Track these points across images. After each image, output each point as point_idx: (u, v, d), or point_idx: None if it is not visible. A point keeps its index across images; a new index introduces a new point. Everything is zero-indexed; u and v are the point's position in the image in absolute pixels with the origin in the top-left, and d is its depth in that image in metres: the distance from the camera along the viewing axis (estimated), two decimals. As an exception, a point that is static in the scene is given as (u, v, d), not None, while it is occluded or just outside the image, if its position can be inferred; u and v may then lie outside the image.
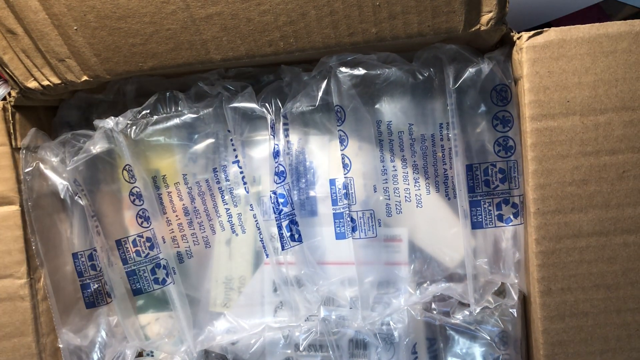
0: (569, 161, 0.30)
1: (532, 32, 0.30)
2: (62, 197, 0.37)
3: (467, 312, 0.35)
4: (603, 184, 0.30)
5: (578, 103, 0.30)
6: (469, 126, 0.34)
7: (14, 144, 0.36)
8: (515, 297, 0.35)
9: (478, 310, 0.35)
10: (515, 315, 0.35)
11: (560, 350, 0.32)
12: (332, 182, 0.36)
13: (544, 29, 0.30)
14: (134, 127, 0.36)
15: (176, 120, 0.37)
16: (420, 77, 0.34)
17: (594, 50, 0.29)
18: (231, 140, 0.37)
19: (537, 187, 0.31)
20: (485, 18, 0.30)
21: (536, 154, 0.30)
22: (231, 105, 0.36)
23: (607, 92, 0.30)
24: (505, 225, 0.35)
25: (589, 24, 0.29)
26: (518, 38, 0.30)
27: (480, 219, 0.35)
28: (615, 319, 0.31)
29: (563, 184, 0.31)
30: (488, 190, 0.35)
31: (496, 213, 0.35)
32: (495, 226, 0.35)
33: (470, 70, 0.33)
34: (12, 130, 0.35)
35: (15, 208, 0.35)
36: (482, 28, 0.30)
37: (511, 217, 0.34)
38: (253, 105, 0.36)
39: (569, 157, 0.30)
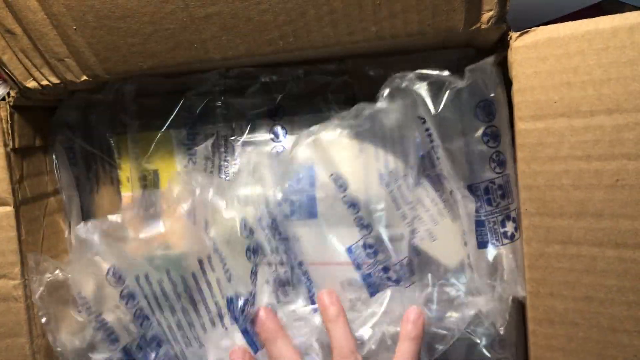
0: (558, 164, 0.29)
1: (519, 32, 0.29)
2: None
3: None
4: (595, 192, 0.28)
5: (566, 104, 0.28)
6: (461, 147, 0.33)
7: (10, 144, 0.35)
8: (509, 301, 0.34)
9: (472, 312, 0.34)
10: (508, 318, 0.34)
11: (550, 355, 0.31)
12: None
13: (532, 29, 0.29)
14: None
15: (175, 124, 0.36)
16: (392, 115, 0.32)
17: (583, 48, 0.27)
18: (225, 142, 0.37)
19: (524, 187, 0.30)
20: (485, 16, 0.30)
21: (524, 154, 0.30)
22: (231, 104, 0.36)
23: (598, 92, 0.27)
24: (510, 241, 0.33)
25: (579, 20, 0.27)
26: (510, 38, 0.30)
27: (487, 239, 0.34)
28: (610, 338, 0.29)
29: (551, 187, 0.29)
30: (492, 209, 0.33)
31: (502, 231, 0.34)
32: (502, 244, 0.34)
33: (449, 92, 0.31)
34: (9, 131, 0.35)
35: (9, 209, 0.35)
36: (483, 27, 0.30)
37: (513, 231, 0.33)
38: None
39: (558, 160, 0.29)
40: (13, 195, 0.35)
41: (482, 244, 0.34)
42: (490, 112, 0.32)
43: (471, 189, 0.34)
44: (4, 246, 0.35)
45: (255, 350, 0.34)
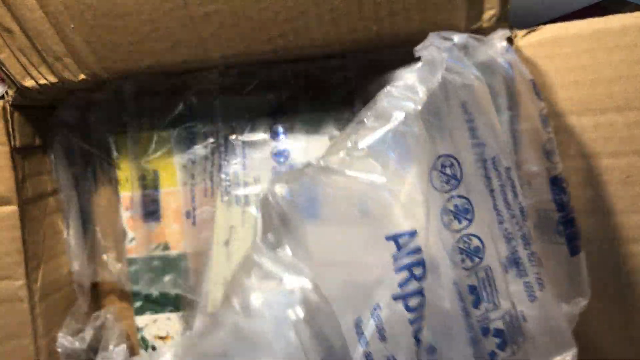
0: (566, 163, 0.29)
1: (525, 31, 0.29)
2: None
3: None
4: (605, 189, 0.28)
5: (575, 102, 0.28)
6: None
7: (12, 143, 0.35)
8: None
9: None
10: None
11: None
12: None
13: (538, 27, 0.29)
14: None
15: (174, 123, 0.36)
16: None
17: (593, 47, 0.28)
18: (225, 141, 0.37)
19: None
20: (487, 15, 0.30)
21: None
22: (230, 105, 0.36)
23: (609, 90, 0.28)
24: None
25: (588, 19, 0.28)
26: (514, 37, 0.30)
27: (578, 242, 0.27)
28: (622, 333, 0.29)
29: None
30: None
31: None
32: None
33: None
34: (10, 130, 0.35)
35: (14, 208, 0.35)
36: (484, 25, 0.30)
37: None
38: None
39: (566, 159, 0.29)
40: (18, 195, 0.35)
41: (574, 250, 0.27)
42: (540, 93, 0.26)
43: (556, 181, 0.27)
44: (9, 246, 0.35)
45: None
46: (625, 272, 0.29)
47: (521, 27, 0.30)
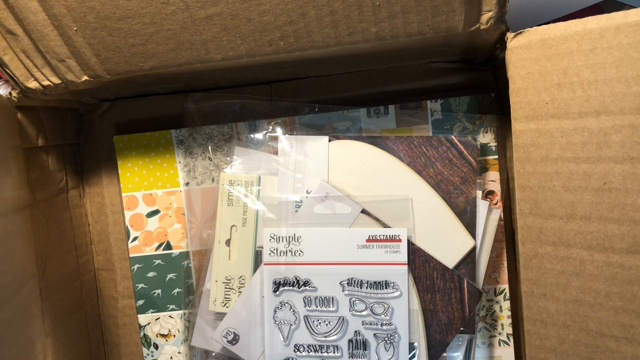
0: (549, 166, 0.29)
1: (514, 33, 0.29)
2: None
3: None
4: (584, 194, 0.28)
5: (556, 106, 0.28)
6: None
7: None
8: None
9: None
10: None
11: (543, 356, 0.31)
12: None
13: (526, 29, 0.29)
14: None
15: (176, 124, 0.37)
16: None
17: (572, 49, 0.27)
18: (225, 142, 0.37)
19: (519, 187, 0.30)
20: (485, 17, 0.30)
21: (519, 155, 0.30)
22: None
23: (586, 94, 0.27)
24: None
25: (569, 21, 0.27)
26: (506, 39, 0.30)
27: None
28: (599, 342, 0.29)
29: (543, 188, 0.29)
30: None
31: None
32: None
33: None
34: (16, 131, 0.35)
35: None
36: (482, 27, 0.30)
37: None
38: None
39: (549, 162, 0.29)
40: (24, 194, 0.35)
41: None
42: None
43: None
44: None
45: None
46: (602, 281, 0.28)
47: (519, 30, 0.31)
